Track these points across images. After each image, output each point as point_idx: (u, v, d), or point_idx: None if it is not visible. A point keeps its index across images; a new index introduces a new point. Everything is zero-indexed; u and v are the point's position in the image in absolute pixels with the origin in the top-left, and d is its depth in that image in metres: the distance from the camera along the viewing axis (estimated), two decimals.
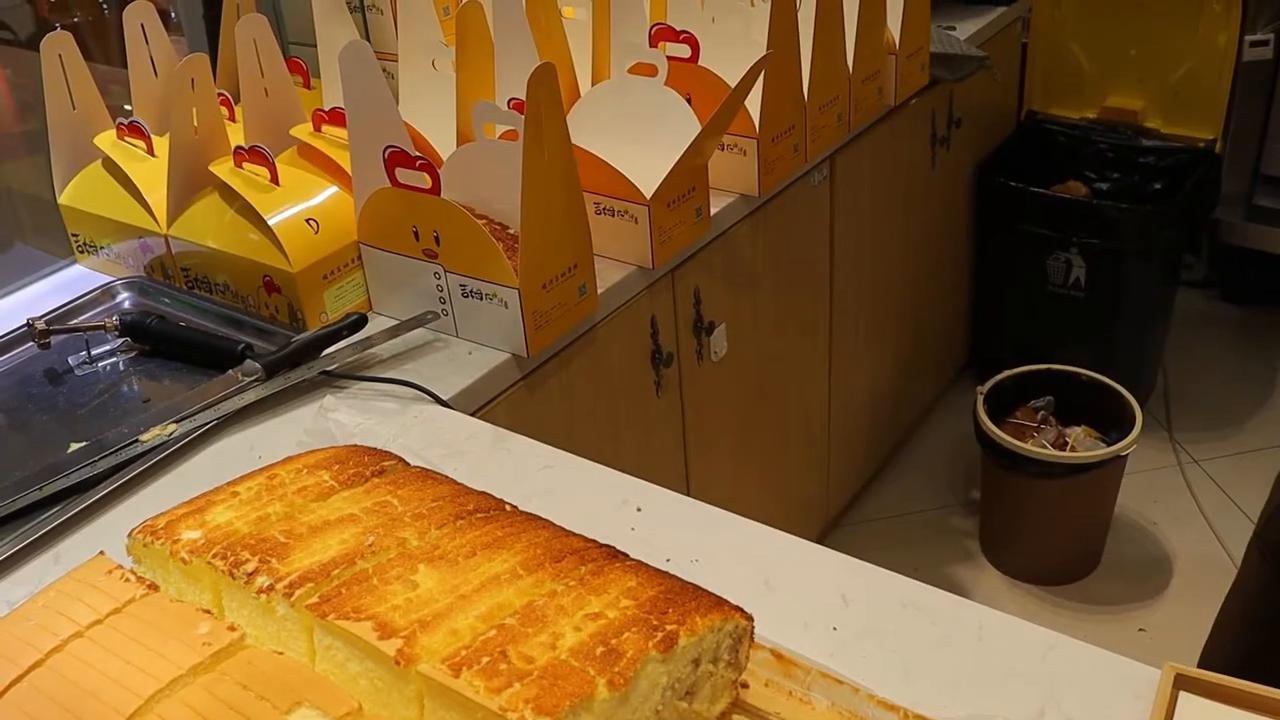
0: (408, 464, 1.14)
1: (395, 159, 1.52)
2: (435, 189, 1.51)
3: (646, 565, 0.97)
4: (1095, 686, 1.03)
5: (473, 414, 1.50)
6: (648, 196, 1.70)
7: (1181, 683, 1.02)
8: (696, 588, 0.94)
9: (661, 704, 0.88)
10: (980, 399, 2.77)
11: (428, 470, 1.12)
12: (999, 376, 2.86)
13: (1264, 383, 3.36)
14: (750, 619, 0.96)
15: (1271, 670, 1.08)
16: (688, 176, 1.76)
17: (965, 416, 2.80)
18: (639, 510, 1.23)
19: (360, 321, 1.56)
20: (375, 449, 1.17)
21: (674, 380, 1.95)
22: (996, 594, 2.83)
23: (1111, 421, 2.78)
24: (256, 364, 1.46)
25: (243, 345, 1.53)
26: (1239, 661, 1.43)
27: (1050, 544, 2.84)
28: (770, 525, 1.21)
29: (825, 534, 2.86)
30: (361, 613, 0.88)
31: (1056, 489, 2.68)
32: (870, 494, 3.11)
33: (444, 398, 1.46)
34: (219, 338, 1.58)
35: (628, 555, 0.98)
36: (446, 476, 1.11)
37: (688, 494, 1.29)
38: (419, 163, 1.51)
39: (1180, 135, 3.28)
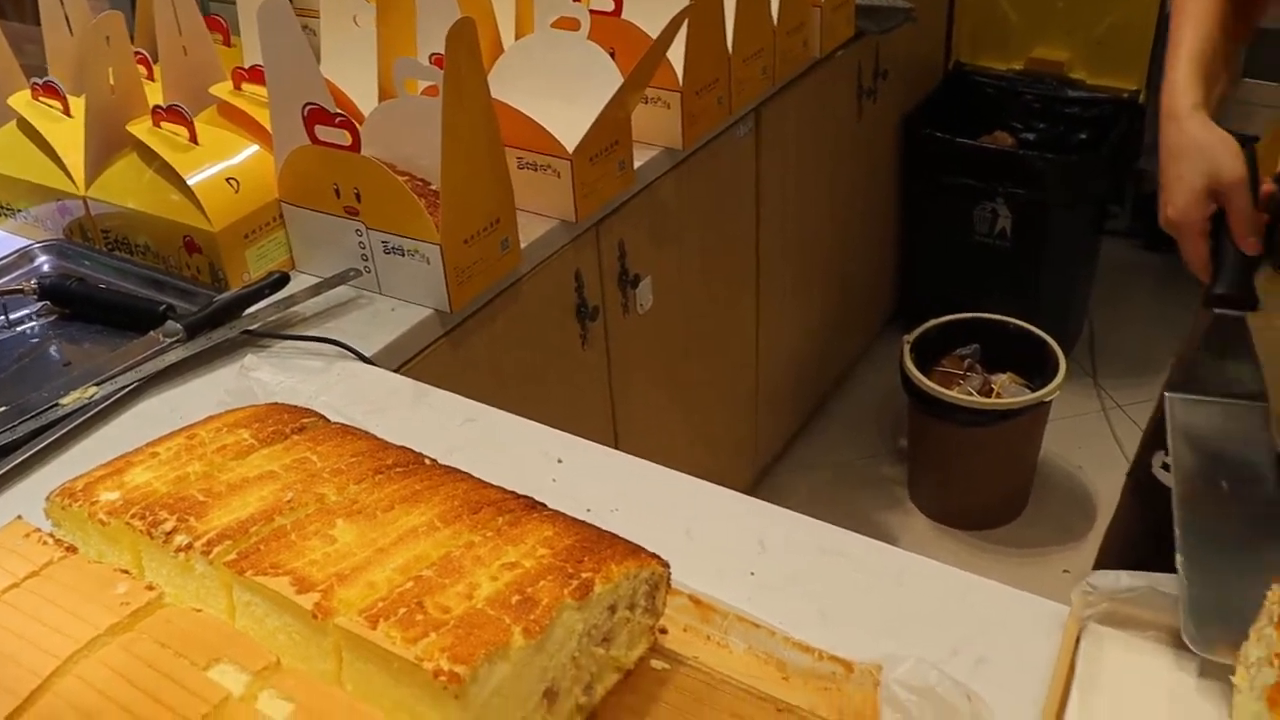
0: (328, 420, 1.14)
1: (315, 116, 1.51)
2: (355, 146, 1.50)
3: (564, 515, 0.98)
4: (1010, 626, 1.06)
5: (396, 370, 1.50)
6: (570, 150, 1.70)
7: (1097, 615, 1.05)
8: (613, 536, 0.96)
9: (578, 650, 0.89)
10: (907, 348, 2.80)
11: (347, 426, 1.13)
12: (925, 326, 2.90)
13: (1186, 329, 3.40)
14: (666, 566, 0.97)
15: None
16: (611, 130, 1.77)
17: (893, 366, 2.83)
18: (560, 462, 1.25)
19: (282, 280, 1.55)
20: (295, 407, 1.17)
21: (600, 334, 1.96)
22: (925, 540, 2.87)
23: (1037, 369, 2.83)
24: (178, 325, 1.46)
25: (164, 306, 1.51)
26: None
27: (977, 489, 2.89)
28: (700, 477, 1.23)
29: (755, 484, 2.89)
30: (279, 568, 0.89)
31: (982, 435, 2.73)
32: (800, 444, 3.14)
33: (367, 354, 1.47)
34: (140, 299, 1.57)
35: (545, 506, 0.99)
36: (366, 432, 1.12)
37: (616, 447, 1.31)
38: (338, 119, 1.50)
39: (1105, 86, 3.33)
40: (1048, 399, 2.68)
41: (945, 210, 3.22)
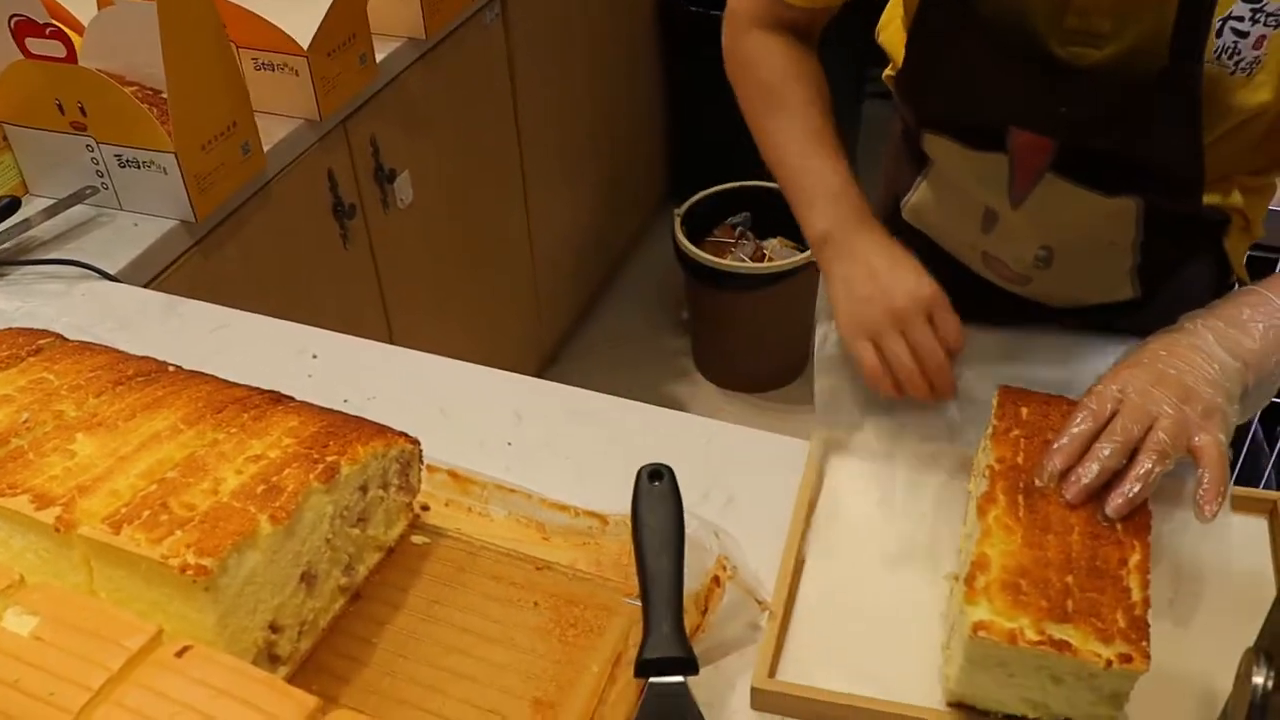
0: (66, 339, 1.12)
1: (23, 28, 1.44)
2: (71, 57, 1.45)
3: (311, 405, 0.99)
4: (756, 466, 1.11)
5: (146, 286, 1.47)
6: (305, 47, 1.66)
7: (832, 446, 1.12)
8: (360, 420, 0.97)
9: (332, 533, 0.91)
10: (677, 221, 2.85)
11: (86, 343, 1.10)
12: (694, 198, 2.95)
13: None
14: (416, 443, 0.99)
15: None
16: (346, 22, 1.73)
17: (670, 242, 2.87)
18: (315, 357, 1.25)
19: (13, 205, 1.49)
20: (30, 329, 1.14)
21: (361, 231, 1.94)
22: (713, 406, 2.96)
23: None
24: None
25: None
26: None
27: (758, 352, 2.98)
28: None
29: (542, 371, 2.92)
30: (17, 487, 0.87)
31: (757, 300, 2.80)
32: (584, 326, 3.18)
33: (111, 272, 1.43)
34: None
35: (292, 399, 1.00)
36: (107, 347, 1.09)
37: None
38: (49, 30, 1.43)
39: None
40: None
41: (708, 83, 3.24)
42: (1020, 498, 0.91)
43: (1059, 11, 1.02)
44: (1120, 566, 0.85)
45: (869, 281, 1.10)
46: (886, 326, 1.08)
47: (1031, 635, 0.81)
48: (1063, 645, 0.80)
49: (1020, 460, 0.93)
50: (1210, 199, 1.12)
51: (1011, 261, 1.24)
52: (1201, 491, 0.88)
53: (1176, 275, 1.21)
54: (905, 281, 1.09)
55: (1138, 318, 1.23)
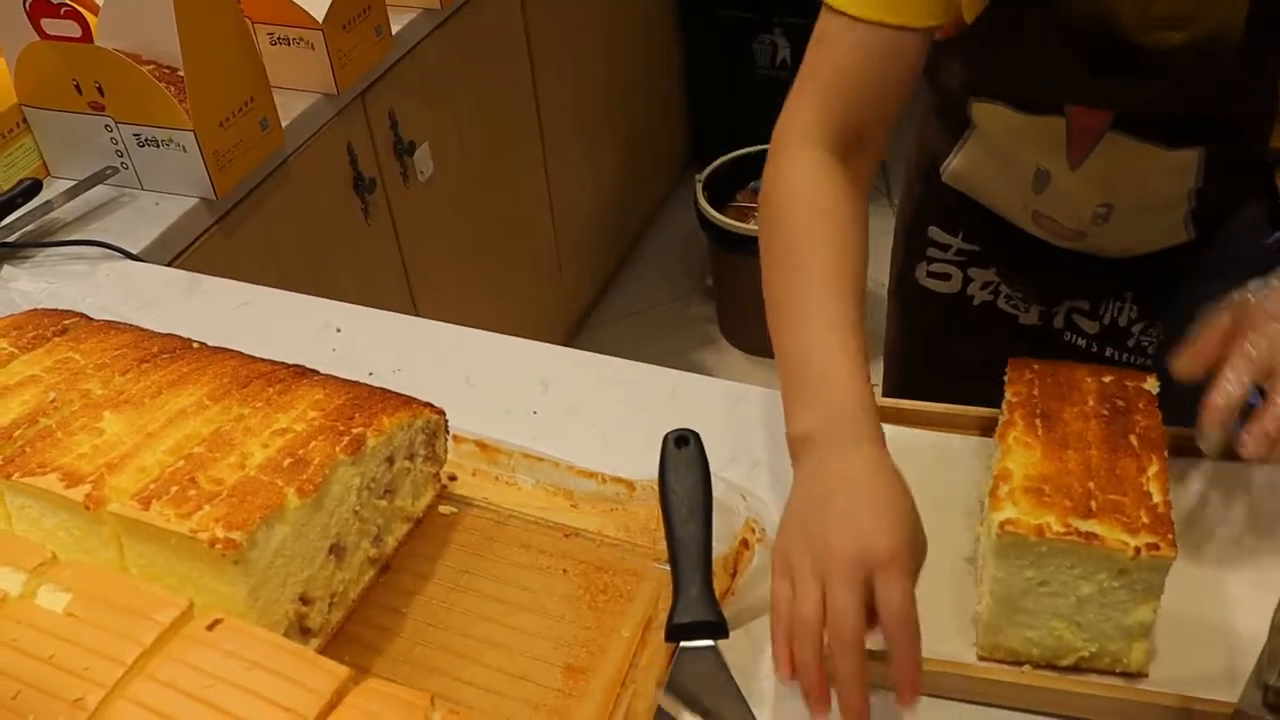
0: (90, 319, 1.12)
1: (39, 9, 1.44)
2: (87, 37, 1.45)
3: (335, 378, 0.99)
4: (781, 427, 1.10)
5: (168, 264, 1.47)
6: (320, 20, 1.66)
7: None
8: (385, 391, 0.97)
9: (359, 504, 0.91)
10: (699, 187, 2.84)
11: (111, 322, 1.10)
12: (715, 163, 2.93)
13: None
14: (441, 413, 0.99)
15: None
16: None
17: (693, 208, 2.86)
18: (339, 331, 1.25)
19: (35, 187, 1.49)
20: (56, 310, 1.14)
21: (382, 205, 1.94)
22: (739, 372, 2.95)
23: None
24: None
25: None
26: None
27: None
28: None
29: (568, 340, 2.92)
30: (47, 466, 0.88)
31: None
32: (609, 296, 3.17)
33: (134, 252, 1.43)
34: None
35: (317, 372, 1.00)
36: (131, 325, 1.10)
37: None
38: (64, 10, 1.43)
39: None
40: None
41: (725, 47, 3.23)
42: (1037, 420, 0.92)
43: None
44: (1139, 474, 0.87)
45: (821, 509, 0.83)
46: (807, 570, 0.81)
47: (1058, 528, 0.82)
48: (1090, 536, 0.82)
49: (1035, 393, 0.95)
50: (1277, 141, 1.09)
51: (1066, 220, 1.23)
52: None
53: (1232, 216, 1.20)
54: (861, 523, 0.80)
55: (1191, 261, 1.22)
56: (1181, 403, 0.95)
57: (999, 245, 1.32)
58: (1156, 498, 0.85)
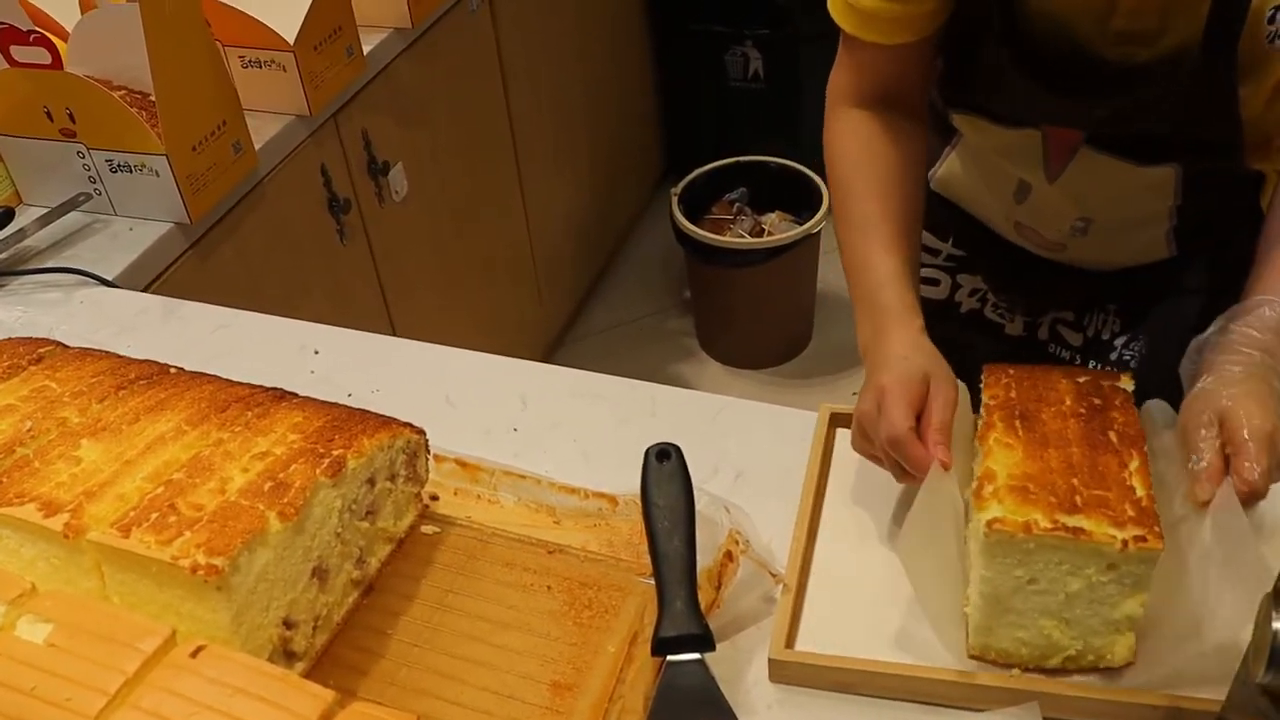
0: (66, 347, 1.11)
1: (8, 36, 1.43)
2: (58, 63, 1.44)
3: (315, 400, 0.98)
4: (764, 439, 1.11)
5: (144, 290, 1.46)
6: (291, 42, 1.65)
7: (836, 420, 1.11)
8: (364, 413, 0.97)
9: (341, 526, 0.90)
10: (675, 200, 2.84)
11: (87, 350, 1.10)
12: (690, 176, 2.94)
13: None
14: (421, 433, 0.99)
15: None
16: (330, 15, 1.72)
17: (669, 221, 2.87)
18: (317, 353, 1.24)
19: (7, 215, 1.49)
20: (31, 339, 1.14)
21: (357, 226, 1.93)
22: (719, 384, 2.95)
23: (804, 203, 2.90)
24: None
25: None
26: None
27: (761, 328, 2.97)
28: None
29: (547, 356, 2.92)
30: (25, 496, 0.87)
31: (757, 274, 2.79)
32: (587, 311, 3.17)
33: (109, 278, 1.42)
34: None
35: (295, 395, 0.99)
36: (108, 352, 1.09)
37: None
38: (33, 37, 1.43)
39: None
40: (815, 230, 2.76)
41: (697, 59, 3.24)
42: (1017, 421, 0.93)
43: (1105, 15, 1.00)
44: (1121, 469, 0.87)
45: (864, 401, 0.97)
46: (866, 447, 0.98)
47: (1045, 524, 0.83)
48: (1077, 530, 0.82)
49: (1013, 395, 0.95)
50: (1252, 162, 1.10)
51: (1046, 231, 1.24)
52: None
53: (1214, 233, 1.20)
54: (870, 401, 0.96)
55: (1174, 276, 1.22)
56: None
57: (985, 252, 1.32)
58: (1140, 491, 0.85)
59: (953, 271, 1.37)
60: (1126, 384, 0.96)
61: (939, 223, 1.34)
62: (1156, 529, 0.82)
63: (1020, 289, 1.34)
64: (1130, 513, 0.83)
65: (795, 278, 2.92)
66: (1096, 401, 0.94)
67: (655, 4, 3.23)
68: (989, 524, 0.83)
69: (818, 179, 2.87)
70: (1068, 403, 0.94)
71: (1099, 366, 1.30)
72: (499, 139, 2.46)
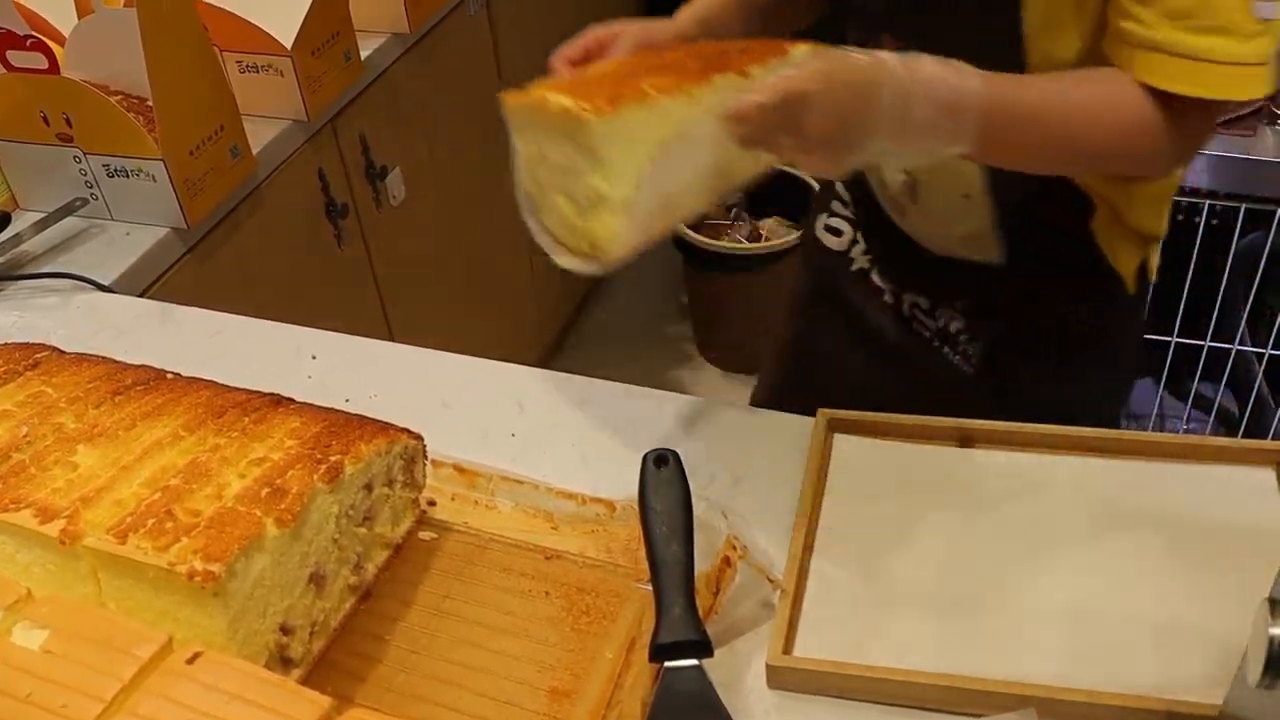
0: (63, 352, 1.11)
1: (4, 41, 1.43)
2: (54, 69, 1.44)
3: (312, 406, 0.98)
4: (762, 444, 1.11)
5: (141, 295, 1.46)
6: (289, 47, 1.65)
7: (834, 425, 1.11)
8: (361, 418, 0.96)
9: (338, 532, 0.90)
10: None
11: (83, 355, 1.10)
12: None
13: None
14: (419, 438, 0.99)
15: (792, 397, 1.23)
16: (328, 20, 1.72)
17: None
18: (314, 358, 1.24)
19: (3, 220, 1.49)
20: (27, 344, 1.14)
21: (355, 230, 1.93)
22: (717, 390, 2.95)
23: (801, 208, 2.89)
24: None
25: None
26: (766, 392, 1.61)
27: (759, 334, 2.96)
28: None
29: (544, 362, 2.91)
30: (20, 502, 0.87)
31: (755, 280, 2.79)
32: (584, 316, 3.17)
33: (105, 283, 1.42)
34: None
35: (292, 400, 0.99)
36: (104, 357, 1.09)
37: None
38: (30, 42, 1.43)
39: None
40: None
41: None
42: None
43: None
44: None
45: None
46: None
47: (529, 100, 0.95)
48: (542, 100, 0.94)
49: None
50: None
51: (888, 183, 1.25)
52: None
53: (1044, 247, 1.20)
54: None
55: (1007, 290, 1.23)
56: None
57: (873, 218, 1.34)
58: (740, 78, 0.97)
59: (855, 226, 1.38)
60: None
61: (857, 179, 1.35)
62: (593, 104, 0.89)
63: (892, 262, 1.35)
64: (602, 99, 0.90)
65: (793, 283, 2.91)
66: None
67: (653, 7, 3.23)
68: (503, 97, 0.93)
69: (814, 181, 2.87)
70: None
71: (950, 353, 1.31)
72: (496, 143, 2.44)
